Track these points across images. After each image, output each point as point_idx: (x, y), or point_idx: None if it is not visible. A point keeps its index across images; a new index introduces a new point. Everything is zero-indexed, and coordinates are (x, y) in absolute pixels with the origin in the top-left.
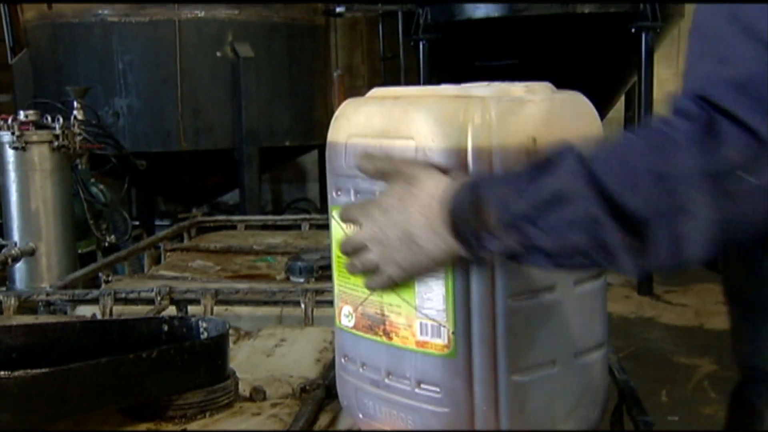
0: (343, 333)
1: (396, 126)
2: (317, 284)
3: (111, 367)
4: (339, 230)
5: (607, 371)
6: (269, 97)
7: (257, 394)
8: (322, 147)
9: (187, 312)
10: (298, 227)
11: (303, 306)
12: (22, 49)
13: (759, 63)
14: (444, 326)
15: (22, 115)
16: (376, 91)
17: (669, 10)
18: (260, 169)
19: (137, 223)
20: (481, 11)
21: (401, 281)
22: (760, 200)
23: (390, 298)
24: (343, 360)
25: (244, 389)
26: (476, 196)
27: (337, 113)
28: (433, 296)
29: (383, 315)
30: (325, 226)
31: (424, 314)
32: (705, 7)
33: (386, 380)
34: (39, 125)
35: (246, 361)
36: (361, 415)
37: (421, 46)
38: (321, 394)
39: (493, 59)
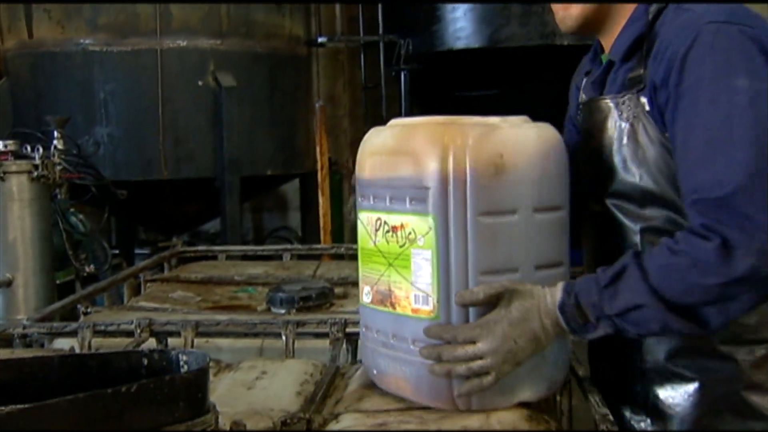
0: (365, 308)
1: (401, 145)
2: (298, 316)
3: (89, 403)
4: (363, 231)
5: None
6: (251, 126)
7: (237, 428)
8: (303, 176)
9: (167, 344)
10: (280, 257)
11: (284, 338)
12: (1, 77)
13: (743, 173)
14: (430, 296)
15: (0, 144)
16: (394, 121)
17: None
18: (241, 197)
19: (117, 252)
20: (461, 42)
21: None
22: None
23: (395, 277)
24: (364, 329)
25: (224, 423)
26: (578, 302)
27: (364, 138)
28: (423, 273)
29: (390, 290)
30: (306, 257)
31: (417, 287)
32: (705, 108)
33: (391, 341)
34: (18, 155)
35: (226, 394)
36: (375, 371)
37: (402, 76)
38: (302, 427)
39: (473, 90)
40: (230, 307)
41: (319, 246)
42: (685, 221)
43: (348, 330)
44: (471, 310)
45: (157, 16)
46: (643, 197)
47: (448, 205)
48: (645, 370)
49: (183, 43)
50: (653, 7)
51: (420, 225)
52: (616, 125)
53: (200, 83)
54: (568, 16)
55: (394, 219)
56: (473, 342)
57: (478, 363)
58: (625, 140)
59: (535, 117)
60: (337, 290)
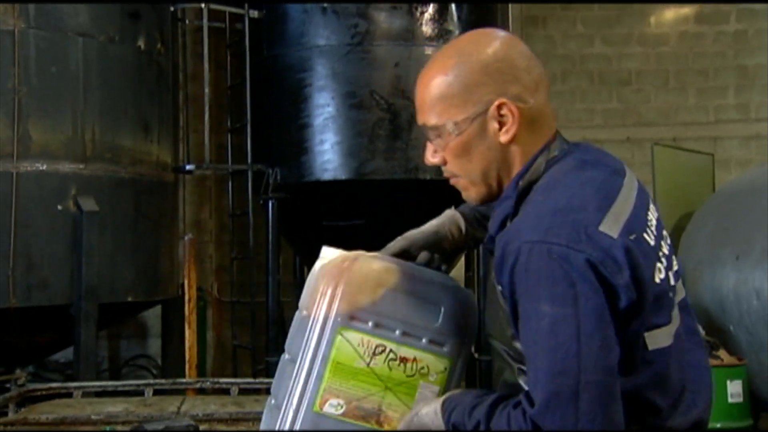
0: (322, 418)
1: (427, 294)
2: None
3: None
4: (348, 349)
5: None
6: (113, 251)
7: None
8: (166, 302)
9: None
10: (141, 393)
11: None
12: None
13: (551, 384)
14: None
15: None
16: (394, 261)
17: None
18: (98, 325)
19: None
20: (329, 174)
21: None
22: None
23: (391, 399)
24: None
25: None
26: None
27: (358, 265)
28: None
29: (380, 410)
30: (170, 392)
31: None
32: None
33: None
34: None
35: None
36: None
37: (270, 204)
38: None
39: (340, 219)
40: None
41: (183, 380)
42: None
43: None
44: None
45: (15, 139)
46: (509, 346)
47: (461, 353)
48: None
49: (42, 167)
50: (520, 186)
51: (436, 364)
52: (492, 284)
53: (60, 208)
54: (468, 197)
55: (405, 351)
56: None
57: None
58: (496, 301)
59: None
60: (203, 427)
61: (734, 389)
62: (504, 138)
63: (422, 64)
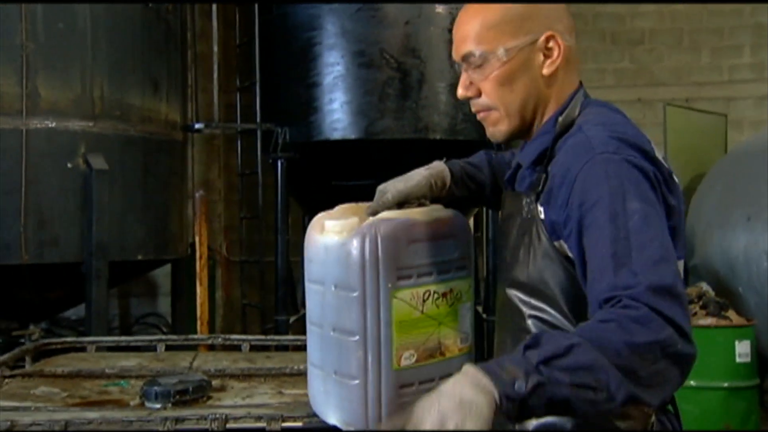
0: (403, 371)
1: (442, 231)
2: (174, 410)
3: None
4: (405, 306)
5: None
6: (122, 210)
7: None
8: (176, 261)
9: None
10: (154, 348)
11: None
12: None
13: (654, 273)
14: (468, 333)
15: None
16: (395, 214)
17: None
18: (109, 283)
19: None
20: (338, 133)
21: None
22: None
23: (445, 331)
24: (399, 390)
25: None
26: (501, 367)
27: (390, 233)
28: (466, 320)
29: (439, 343)
30: (182, 347)
31: (462, 332)
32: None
33: (437, 384)
34: None
35: None
36: None
37: (279, 164)
38: None
39: (349, 179)
40: (100, 402)
41: (195, 336)
42: (560, 317)
43: (229, 426)
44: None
45: (24, 96)
46: (531, 289)
47: (472, 264)
48: None
49: (51, 125)
50: (560, 122)
51: (464, 286)
52: (519, 221)
53: (69, 165)
54: (497, 131)
55: (443, 287)
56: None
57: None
58: (525, 237)
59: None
60: (215, 383)
61: (742, 349)
62: (547, 71)
63: (433, 22)
